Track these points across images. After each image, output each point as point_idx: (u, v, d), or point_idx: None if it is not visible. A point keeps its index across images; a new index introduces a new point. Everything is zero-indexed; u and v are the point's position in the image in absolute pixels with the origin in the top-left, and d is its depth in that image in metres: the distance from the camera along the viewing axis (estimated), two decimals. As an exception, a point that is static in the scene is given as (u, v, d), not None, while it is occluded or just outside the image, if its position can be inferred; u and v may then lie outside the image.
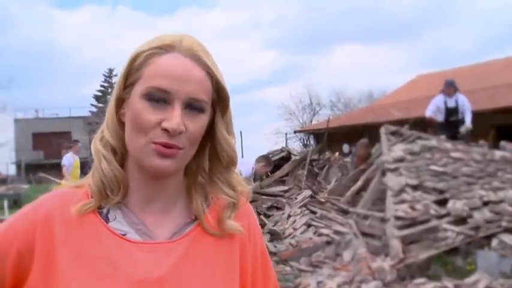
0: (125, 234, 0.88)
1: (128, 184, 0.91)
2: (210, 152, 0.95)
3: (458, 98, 8.85)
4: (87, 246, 0.86)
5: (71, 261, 0.84)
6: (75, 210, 0.87)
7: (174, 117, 0.83)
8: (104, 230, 0.88)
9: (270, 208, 9.09)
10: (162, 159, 0.85)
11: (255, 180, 8.03)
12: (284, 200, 8.41)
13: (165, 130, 0.83)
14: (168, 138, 0.84)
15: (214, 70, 0.88)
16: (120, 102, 0.90)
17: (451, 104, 8.84)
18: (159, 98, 0.84)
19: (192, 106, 0.86)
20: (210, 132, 0.92)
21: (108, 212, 0.90)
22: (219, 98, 0.91)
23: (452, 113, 8.83)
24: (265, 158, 7.88)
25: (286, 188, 8.80)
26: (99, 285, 0.83)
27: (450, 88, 8.85)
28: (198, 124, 0.87)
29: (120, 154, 0.91)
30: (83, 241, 0.86)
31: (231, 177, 0.96)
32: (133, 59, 0.87)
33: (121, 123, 0.90)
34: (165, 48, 0.86)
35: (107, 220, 0.89)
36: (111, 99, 0.91)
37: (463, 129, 8.50)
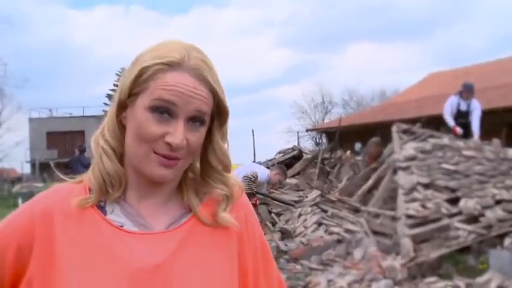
0: (122, 226, 0.91)
1: (127, 181, 0.94)
2: (204, 157, 0.98)
3: (472, 102, 8.80)
4: (85, 237, 0.89)
5: (70, 252, 0.87)
6: (75, 203, 0.90)
7: (178, 133, 0.87)
8: (102, 221, 0.91)
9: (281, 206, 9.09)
10: (162, 169, 0.89)
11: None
12: (294, 208, 8.41)
13: (168, 144, 0.87)
14: (169, 151, 0.88)
15: (217, 89, 0.92)
16: (122, 107, 0.93)
17: (463, 107, 8.80)
18: (163, 111, 0.88)
19: (194, 119, 0.90)
20: (206, 139, 0.96)
21: (105, 205, 0.93)
22: (219, 112, 0.95)
23: (463, 115, 8.79)
24: (280, 168, 8.14)
25: (297, 198, 8.80)
26: (97, 275, 0.85)
27: (469, 93, 8.80)
28: (198, 136, 0.91)
29: (119, 153, 0.94)
30: (82, 232, 0.89)
31: (223, 176, 1.00)
32: (141, 73, 0.90)
33: (121, 125, 0.94)
34: (171, 65, 0.89)
35: (104, 213, 0.92)
36: (113, 102, 0.94)
37: (470, 143, 8.46)
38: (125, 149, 0.93)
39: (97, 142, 0.95)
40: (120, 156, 0.94)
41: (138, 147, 0.89)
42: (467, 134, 8.65)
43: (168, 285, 0.88)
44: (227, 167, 0.99)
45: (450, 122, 8.88)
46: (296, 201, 8.70)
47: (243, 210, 1.02)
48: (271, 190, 8.58)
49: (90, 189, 0.93)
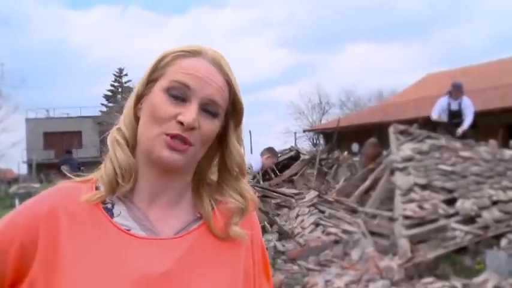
0: (129, 230, 0.89)
1: (137, 175, 0.92)
2: (220, 162, 0.98)
3: (462, 100, 8.79)
4: (91, 240, 0.86)
5: (76, 255, 0.85)
6: (85, 198, 0.88)
7: (190, 112, 0.87)
8: (109, 224, 0.88)
9: (278, 207, 9.11)
10: (171, 152, 0.87)
11: (263, 173, 8.07)
12: (293, 200, 8.42)
13: (180, 123, 0.87)
14: (181, 130, 0.87)
15: (233, 82, 0.93)
16: (140, 98, 0.94)
17: (454, 106, 8.79)
18: (178, 94, 0.89)
19: (207, 109, 0.90)
20: (222, 142, 0.96)
21: (113, 207, 0.91)
22: (234, 111, 0.95)
23: (455, 115, 8.79)
24: (269, 150, 7.95)
25: (296, 191, 8.82)
26: (102, 279, 0.84)
27: (458, 92, 8.79)
28: (211, 126, 0.90)
29: (131, 147, 0.93)
30: (88, 235, 0.87)
31: (240, 185, 0.98)
32: (161, 58, 0.92)
33: (136, 118, 0.94)
34: (192, 53, 0.92)
35: (111, 215, 0.90)
36: (132, 94, 0.95)
37: (458, 131, 8.45)
38: (138, 139, 0.92)
39: (113, 136, 0.94)
40: (132, 150, 0.93)
41: (151, 128, 0.89)
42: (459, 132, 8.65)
43: None
44: (243, 171, 0.98)
45: (434, 115, 8.90)
46: (296, 194, 8.73)
47: (251, 228, 0.99)
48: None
49: (97, 188, 0.92)
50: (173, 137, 0.87)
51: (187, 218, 0.94)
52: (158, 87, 0.90)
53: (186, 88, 0.88)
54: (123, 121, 0.95)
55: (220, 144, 0.96)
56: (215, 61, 0.92)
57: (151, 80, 0.92)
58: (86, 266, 0.84)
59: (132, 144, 0.93)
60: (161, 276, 0.86)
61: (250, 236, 0.98)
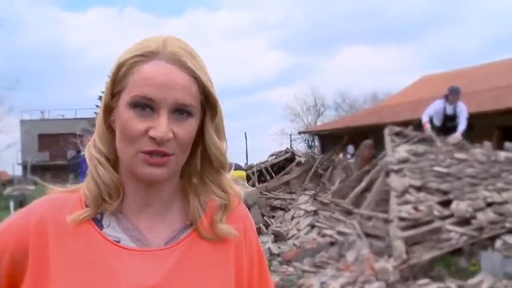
0: (119, 241, 0.88)
1: (124, 189, 0.90)
2: (201, 154, 0.94)
3: (457, 105, 8.74)
4: (81, 253, 0.85)
5: (65, 268, 0.84)
6: (71, 219, 0.86)
7: (161, 126, 0.83)
8: (98, 236, 0.87)
9: (274, 209, 9.11)
10: (152, 168, 0.85)
11: (259, 175, 8.10)
12: (288, 201, 8.42)
13: (152, 138, 0.83)
14: (156, 145, 0.84)
15: (200, 74, 0.87)
16: (109, 110, 0.90)
17: (449, 111, 8.73)
18: (144, 106, 0.84)
19: (179, 111, 0.85)
20: (201, 135, 0.92)
21: (101, 218, 0.89)
22: (208, 102, 0.90)
23: (449, 119, 8.74)
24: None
25: (293, 196, 8.83)
26: None
27: (455, 96, 8.69)
28: (187, 129, 0.86)
29: (113, 161, 0.90)
30: (77, 248, 0.86)
31: (221, 179, 0.95)
32: (118, 68, 0.87)
33: (112, 131, 0.90)
34: (147, 56, 0.85)
35: (100, 227, 0.88)
36: (100, 107, 0.91)
37: (451, 140, 8.32)
38: (118, 154, 0.89)
39: (90, 152, 0.91)
40: (115, 164, 0.90)
41: (126, 148, 0.86)
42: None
43: None
44: (222, 164, 0.94)
45: (424, 117, 8.76)
46: (292, 199, 8.69)
47: (242, 221, 0.99)
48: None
49: (85, 202, 0.90)
50: (150, 153, 0.84)
51: (177, 226, 0.92)
52: (123, 103, 0.86)
53: (150, 101, 0.84)
54: (97, 135, 0.92)
55: (200, 136, 0.92)
56: (175, 58, 0.85)
57: (115, 92, 0.88)
58: (76, 278, 0.84)
59: (112, 159, 0.90)
60: None
61: (242, 229, 0.97)
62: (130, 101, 0.85)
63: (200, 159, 0.94)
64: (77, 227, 0.87)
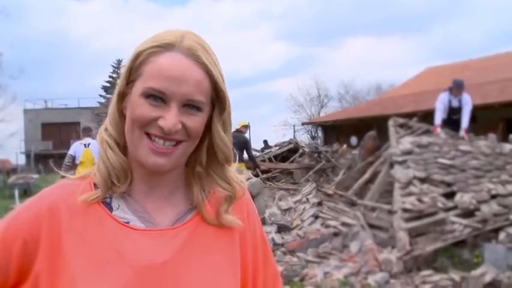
0: (128, 222, 0.90)
1: (132, 173, 0.93)
2: (208, 147, 0.96)
3: (462, 97, 8.73)
4: (92, 234, 0.88)
5: (77, 249, 0.86)
6: (82, 199, 0.90)
7: (170, 117, 0.85)
8: (108, 218, 0.90)
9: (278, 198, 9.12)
10: (157, 157, 0.87)
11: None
12: (291, 192, 8.44)
13: (161, 128, 0.86)
14: (163, 133, 0.86)
15: (213, 70, 0.89)
16: (123, 96, 0.92)
17: (455, 103, 8.73)
18: (156, 98, 0.86)
19: (189, 105, 0.88)
20: (208, 129, 0.94)
21: (111, 201, 0.92)
22: (217, 98, 0.92)
23: (455, 112, 8.74)
24: None
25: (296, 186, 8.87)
26: (104, 271, 0.85)
27: (459, 89, 8.69)
28: (195, 122, 0.89)
29: (122, 146, 0.93)
30: (88, 229, 0.88)
31: (226, 173, 0.98)
32: (136, 57, 0.89)
33: (123, 117, 0.92)
34: (164, 47, 0.87)
35: (110, 209, 0.91)
36: (114, 93, 0.94)
37: (461, 133, 8.36)
38: (126, 140, 0.91)
39: (101, 136, 0.94)
40: (124, 149, 0.93)
41: (133, 131, 0.88)
42: (459, 130, 8.61)
43: (175, 282, 0.88)
44: (228, 158, 0.96)
45: (437, 120, 8.77)
46: (294, 189, 8.71)
47: (245, 209, 1.01)
48: None
49: (95, 185, 0.93)
50: (156, 136, 0.87)
51: (181, 209, 0.95)
52: (136, 91, 0.88)
53: (162, 93, 0.86)
54: (108, 120, 0.94)
55: (207, 129, 0.94)
56: (191, 52, 0.87)
57: (130, 80, 0.90)
58: (88, 261, 0.86)
59: (122, 144, 0.93)
60: (162, 266, 0.88)
61: (245, 216, 1.00)
62: (143, 91, 0.87)
63: (206, 153, 0.97)
64: (87, 209, 0.90)
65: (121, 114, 0.93)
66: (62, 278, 0.85)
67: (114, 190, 0.92)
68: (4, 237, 0.88)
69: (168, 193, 0.95)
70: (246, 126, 9.59)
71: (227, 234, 0.97)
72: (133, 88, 0.89)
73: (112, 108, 0.94)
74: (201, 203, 0.95)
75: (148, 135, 0.87)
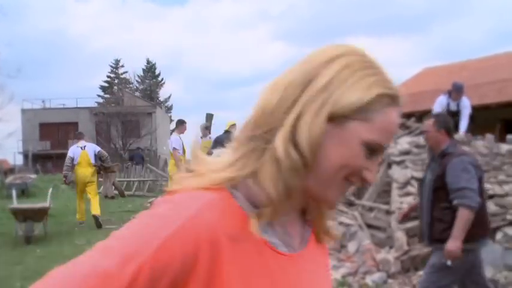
0: (276, 247, 0.84)
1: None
2: None
3: (461, 101, 8.71)
4: (250, 262, 0.80)
5: (238, 279, 0.78)
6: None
7: (374, 170, 0.84)
8: (261, 243, 0.82)
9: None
10: (339, 195, 0.85)
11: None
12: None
13: (363, 179, 0.84)
14: (360, 183, 0.84)
15: None
16: (332, 118, 0.80)
17: (453, 107, 8.71)
18: (373, 151, 0.82)
19: None
20: None
21: None
22: None
23: (453, 115, 8.74)
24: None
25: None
26: None
27: (458, 93, 8.66)
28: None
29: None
30: (247, 257, 0.80)
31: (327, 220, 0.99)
32: (372, 101, 0.80)
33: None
34: (396, 100, 0.83)
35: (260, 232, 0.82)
36: (322, 110, 0.79)
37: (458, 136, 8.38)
38: (309, 166, 0.81)
39: (287, 150, 0.79)
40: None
41: (336, 173, 0.81)
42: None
43: None
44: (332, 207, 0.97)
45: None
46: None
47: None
48: None
49: (236, 199, 0.82)
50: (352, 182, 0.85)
51: (298, 228, 0.91)
52: (356, 133, 0.80)
53: (381, 148, 0.82)
54: (304, 138, 0.79)
55: None
56: (401, 104, 0.84)
57: (355, 110, 0.79)
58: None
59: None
60: None
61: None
62: (368, 142, 0.81)
63: None
64: (247, 237, 0.79)
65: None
66: None
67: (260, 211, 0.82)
68: (154, 266, 0.73)
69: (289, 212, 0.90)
70: (234, 125, 9.72)
71: (325, 252, 0.99)
72: (352, 126, 0.80)
73: (314, 125, 0.79)
74: (318, 220, 0.93)
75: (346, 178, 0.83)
